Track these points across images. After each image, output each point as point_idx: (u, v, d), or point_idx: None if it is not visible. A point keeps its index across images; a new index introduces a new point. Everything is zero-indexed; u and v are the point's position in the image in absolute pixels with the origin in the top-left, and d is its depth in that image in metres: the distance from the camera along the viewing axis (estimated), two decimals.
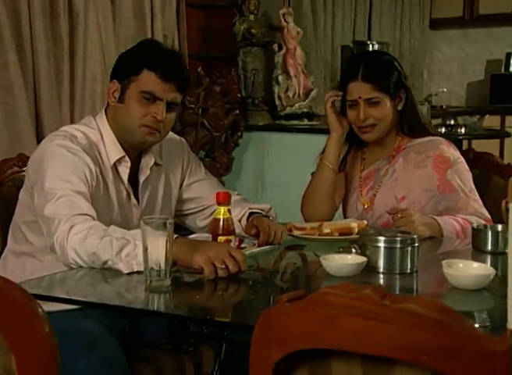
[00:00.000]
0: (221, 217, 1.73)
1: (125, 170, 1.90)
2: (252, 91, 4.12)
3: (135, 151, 1.93)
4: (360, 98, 2.09)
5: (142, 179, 1.95)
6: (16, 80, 2.94)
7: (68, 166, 1.76)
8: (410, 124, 2.17)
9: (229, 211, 1.74)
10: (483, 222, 2.02)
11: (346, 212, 2.29)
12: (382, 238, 1.63)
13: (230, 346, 1.86)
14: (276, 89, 4.11)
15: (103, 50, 3.33)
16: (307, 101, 4.09)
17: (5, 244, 1.97)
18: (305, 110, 4.09)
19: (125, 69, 1.87)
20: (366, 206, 2.20)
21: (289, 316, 0.88)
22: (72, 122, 3.21)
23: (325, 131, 3.84)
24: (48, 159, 1.77)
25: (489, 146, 4.26)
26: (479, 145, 4.09)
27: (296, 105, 4.06)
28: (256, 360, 0.94)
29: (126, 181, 1.91)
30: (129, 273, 1.57)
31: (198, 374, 1.89)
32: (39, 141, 3.05)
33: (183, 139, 2.17)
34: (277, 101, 4.13)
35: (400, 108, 2.15)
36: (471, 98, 6.44)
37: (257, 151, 4.08)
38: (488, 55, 6.33)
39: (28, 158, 2.13)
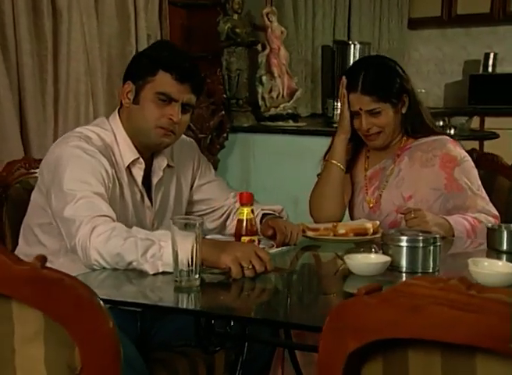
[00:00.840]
0: (244, 218, 1.74)
1: (139, 172, 1.89)
2: (236, 92, 4.09)
3: (148, 153, 1.92)
4: (361, 109, 2.11)
5: (155, 181, 1.94)
6: (1, 80, 2.89)
7: (86, 167, 1.75)
8: (414, 125, 2.19)
9: (252, 211, 1.75)
10: (491, 218, 2.06)
11: (352, 213, 2.29)
12: (404, 238, 1.64)
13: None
14: (260, 89, 4.09)
15: (87, 49, 3.29)
16: (291, 101, 4.07)
17: (15, 246, 1.94)
18: (290, 111, 4.07)
19: (140, 70, 1.86)
20: (372, 205, 2.21)
21: (367, 307, 0.89)
22: (56, 123, 3.18)
23: (312, 133, 3.89)
24: (65, 161, 1.75)
25: (469, 147, 4.28)
26: None
27: (281, 105, 4.05)
28: (327, 351, 0.94)
29: (140, 183, 1.90)
30: (154, 274, 1.56)
31: None
32: (24, 142, 3.03)
33: (193, 140, 2.16)
34: (260, 102, 4.11)
35: (404, 111, 2.16)
36: (449, 99, 6.40)
37: (243, 152, 4.06)
38: (466, 56, 6.30)
39: (35, 160, 2.12)
